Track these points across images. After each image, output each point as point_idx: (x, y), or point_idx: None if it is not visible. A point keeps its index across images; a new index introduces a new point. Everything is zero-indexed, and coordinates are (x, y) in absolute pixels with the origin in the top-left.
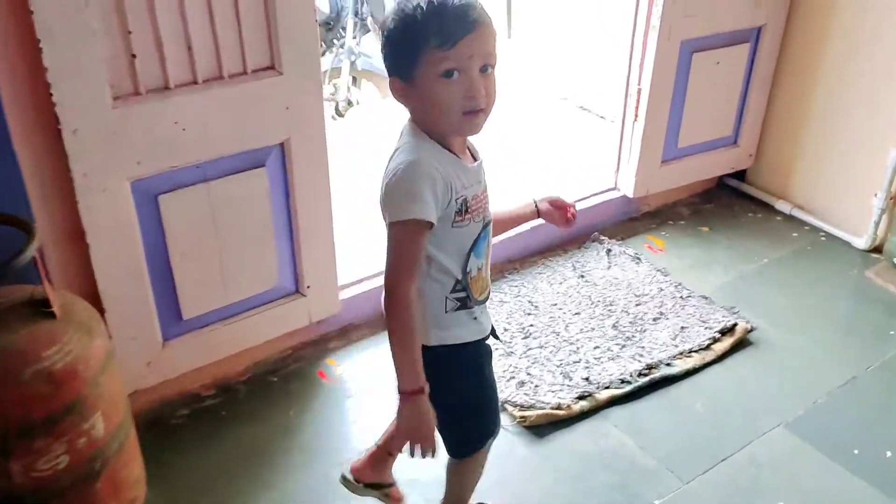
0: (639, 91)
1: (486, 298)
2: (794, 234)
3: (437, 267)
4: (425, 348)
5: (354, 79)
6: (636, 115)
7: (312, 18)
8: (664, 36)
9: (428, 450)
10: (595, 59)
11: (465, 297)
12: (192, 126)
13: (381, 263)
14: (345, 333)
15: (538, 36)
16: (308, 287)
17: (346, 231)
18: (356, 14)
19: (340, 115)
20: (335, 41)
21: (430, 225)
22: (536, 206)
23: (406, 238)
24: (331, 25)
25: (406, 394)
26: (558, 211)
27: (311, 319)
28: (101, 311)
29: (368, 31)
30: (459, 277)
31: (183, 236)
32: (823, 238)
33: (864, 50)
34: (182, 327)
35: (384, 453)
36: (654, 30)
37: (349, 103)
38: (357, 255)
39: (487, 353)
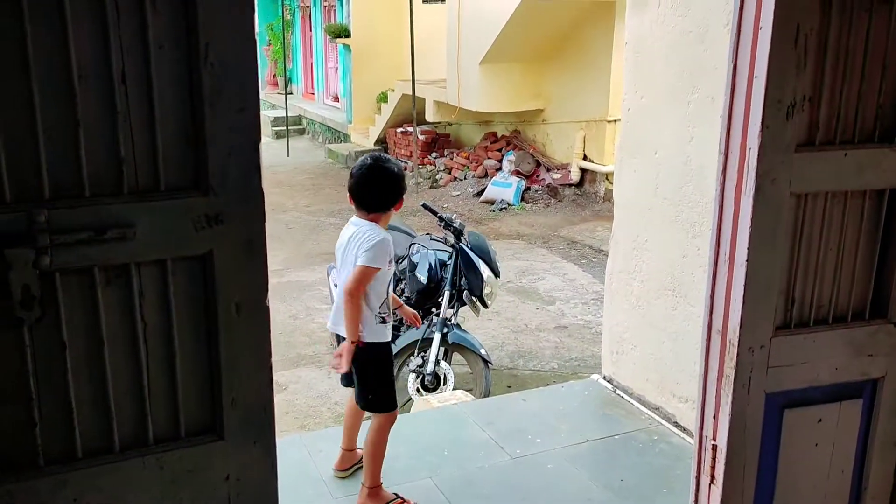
0: (714, 448)
1: None
2: None
3: None
4: None
5: (446, 352)
6: (712, 477)
7: (267, 374)
8: (741, 387)
9: None
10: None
11: None
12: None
13: None
14: None
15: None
16: None
17: None
18: (453, 286)
19: (427, 389)
20: (432, 311)
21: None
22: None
23: None
24: (429, 294)
25: None
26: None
27: None
28: None
29: (464, 303)
30: None
31: None
32: None
33: None
34: None
35: None
36: (728, 380)
37: (436, 378)
38: None
39: None
